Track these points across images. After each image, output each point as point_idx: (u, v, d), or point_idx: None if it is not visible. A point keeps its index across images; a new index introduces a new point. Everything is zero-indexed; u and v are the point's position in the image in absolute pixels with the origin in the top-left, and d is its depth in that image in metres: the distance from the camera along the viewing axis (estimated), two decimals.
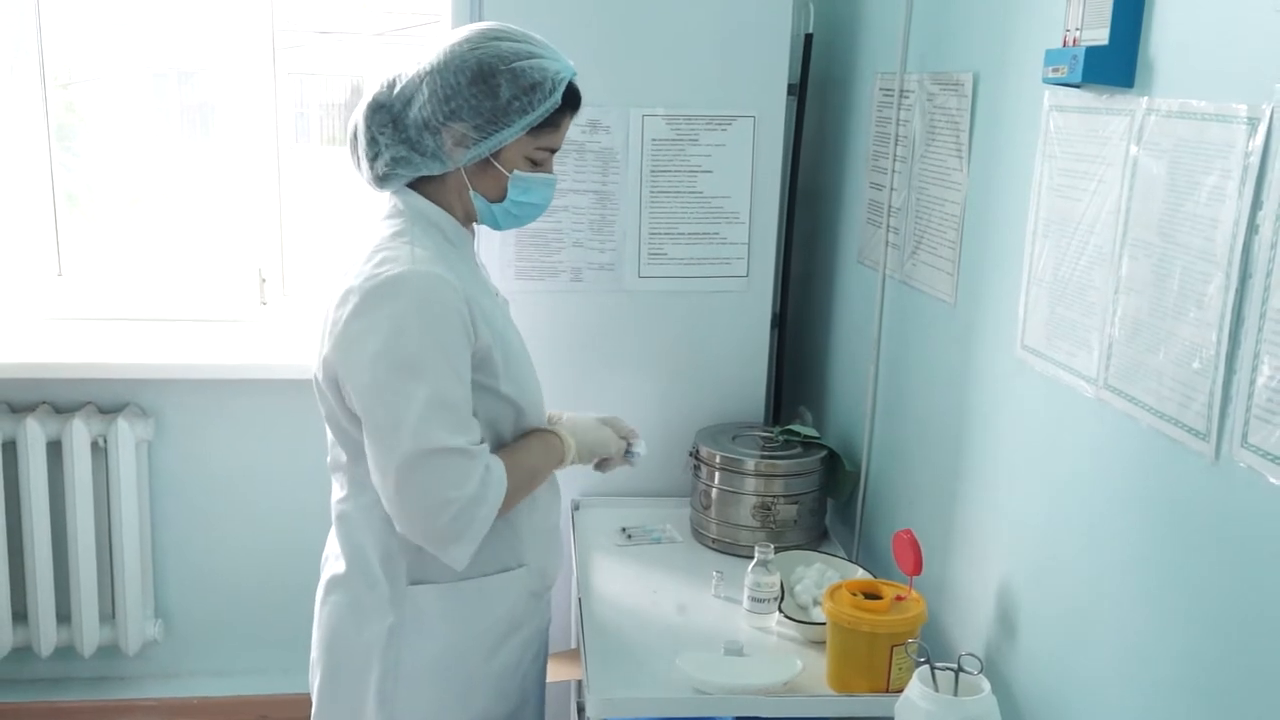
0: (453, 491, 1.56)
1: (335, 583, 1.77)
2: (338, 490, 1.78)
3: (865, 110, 2.40)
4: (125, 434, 2.83)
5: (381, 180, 1.71)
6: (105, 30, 3.08)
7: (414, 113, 1.64)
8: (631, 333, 2.50)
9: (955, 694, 1.51)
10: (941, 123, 2.00)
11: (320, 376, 1.68)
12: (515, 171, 1.69)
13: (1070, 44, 1.50)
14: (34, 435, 2.79)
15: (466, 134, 1.64)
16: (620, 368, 2.51)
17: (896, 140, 2.19)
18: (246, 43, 3.00)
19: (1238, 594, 1.19)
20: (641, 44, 2.39)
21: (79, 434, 2.81)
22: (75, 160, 3.14)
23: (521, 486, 1.71)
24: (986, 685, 1.52)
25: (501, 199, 1.71)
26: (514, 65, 1.63)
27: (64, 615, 2.93)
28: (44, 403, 2.88)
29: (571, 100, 1.71)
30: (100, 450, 2.85)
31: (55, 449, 2.84)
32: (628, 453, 1.95)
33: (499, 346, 1.68)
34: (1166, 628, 1.32)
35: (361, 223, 1.77)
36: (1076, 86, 1.51)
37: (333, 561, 1.79)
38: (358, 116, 1.70)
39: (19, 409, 2.86)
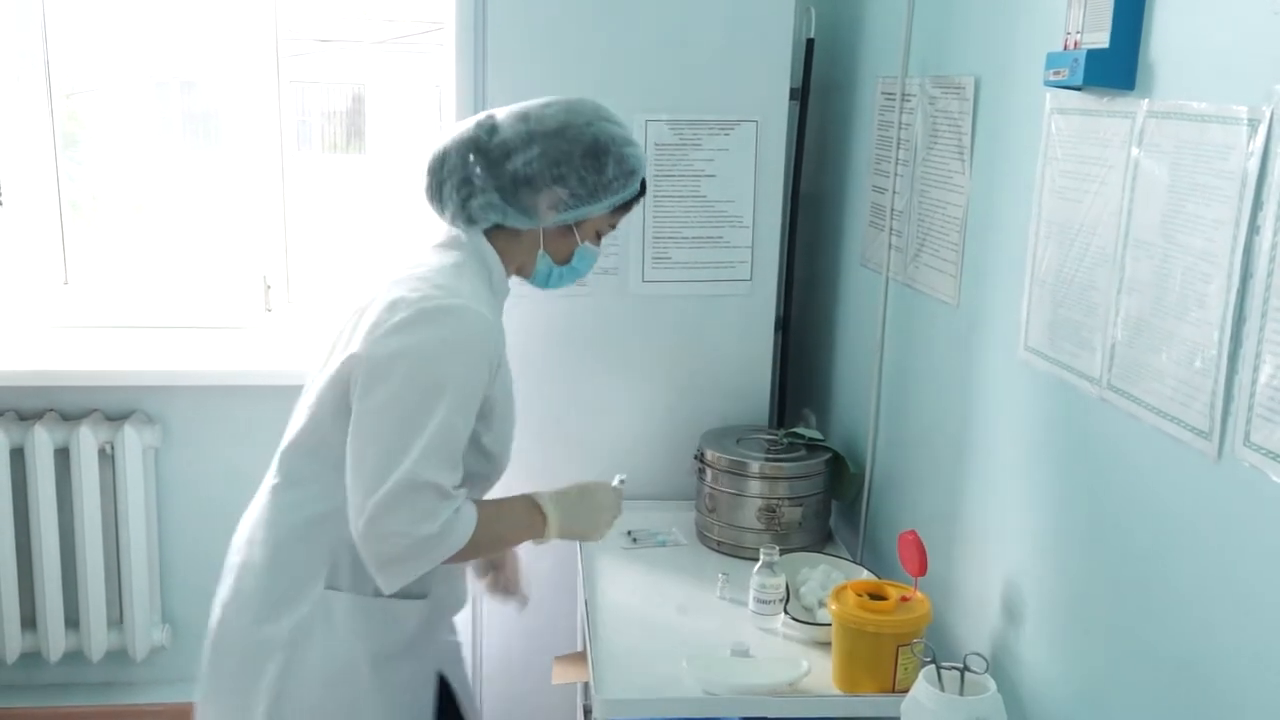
0: (417, 527, 1.59)
1: (248, 570, 1.77)
2: (277, 477, 1.79)
3: (867, 114, 2.41)
4: (132, 441, 2.84)
5: (469, 221, 1.77)
6: (109, 40, 3.10)
7: (515, 166, 1.72)
8: (636, 337, 2.51)
9: (961, 693, 1.52)
10: (943, 126, 2.01)
11: (334, 369, 1.68)
12: (585, 242, 1.82)
13: (1071, 47, 1.51)
14: (42, 442, 2.80)
15: (563, 199, 1.74)
16: (625, 372, 2.52)
17: (898, 144, 2.20)
18: (249, 51, 3.01)
19: (1241, 593, 1.20)
20: (645, 49, 2.40)
21: (86, 441, 2.82)
22: (80, 169, 3.16)
23: (486, 546, 1.75)
24: (992, 684, 1.53)
25: (565, 264, 1.83)
26: (623, 149, 1.77)
27: (72, 621, 2.94)
28: (51, 410, 2.89)
29: (644, 189, 1.85)
30: (107, 457, 2.86)
31: (63, 456, 2.85)
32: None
33: (501, 402, 1.74)
34: (1168, 627, 1.33)
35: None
36: (1078, 89, 1.52)
37: (246, 549, 1.79)
38: (446, 148, 1.75)
39: (27, 416, 2.88)
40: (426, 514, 1.59)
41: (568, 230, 1.79)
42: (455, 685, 1.93)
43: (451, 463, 1.64)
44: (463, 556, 1.68)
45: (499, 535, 1.79)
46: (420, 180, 1.80)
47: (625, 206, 1.83)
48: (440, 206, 1.79)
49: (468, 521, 1.65)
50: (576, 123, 1.75)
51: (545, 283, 1.85)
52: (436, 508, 1.60)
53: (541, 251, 1.80)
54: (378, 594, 1.71)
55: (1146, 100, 1.38)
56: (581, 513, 1.84)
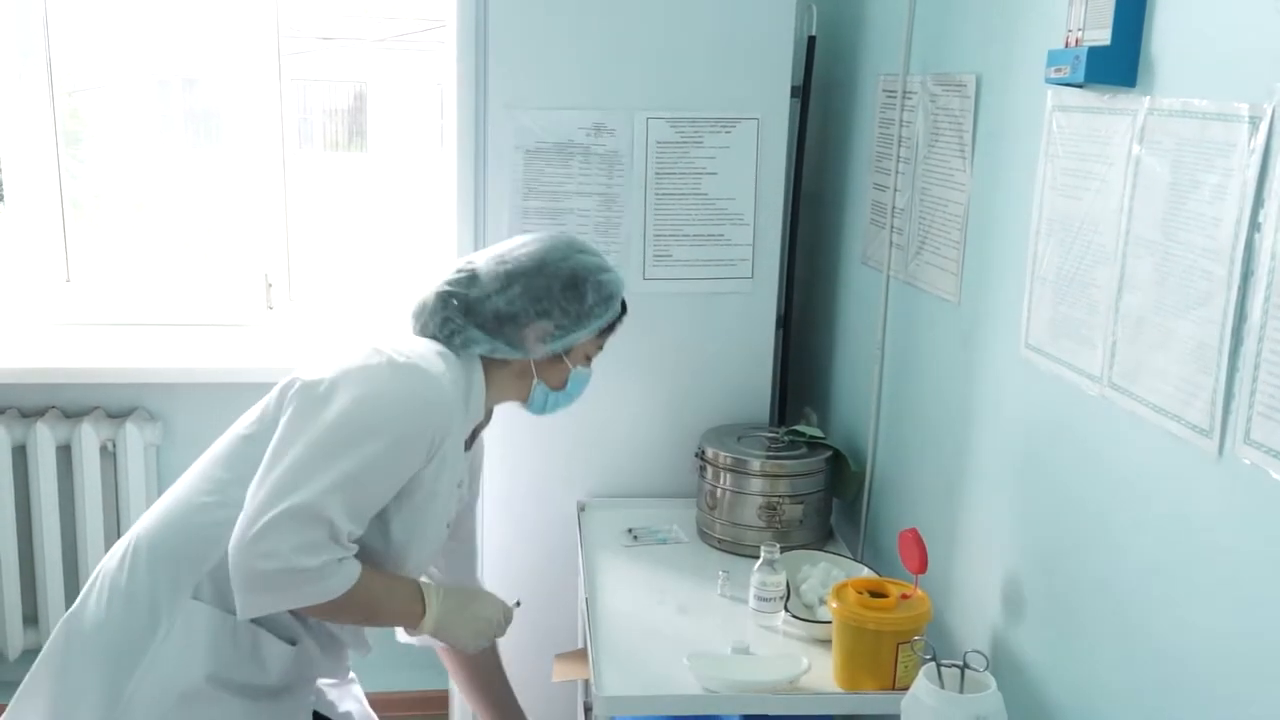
0: (297, 556, 1.56)
1: (128, 563, 1.73)
2: (185, 486, 1.78)
3: (868, 112, 2.41)
4: (134, 438, 2.85)
5: (455, 349, 1.82)
6: (110, 38, 3.10)
7: (497, 305, 1.81)
8: (637, 335, 2.48)
9: (961, 691, 1.52)
10: (944, 124, 2.01)
11: (302, 381, 1.70)
12: (577, 367, 1.90)
13: (1072, 44, 1.51)
14: (44, 440, 2.80)
15: (549, 331, 1.83)
16: (626, 369, 2.52)
17: (900, 141, 2.20)
18: (250, 49, 3.01)
19: (1241, 589, 1.20)
20: (645, 47, 2.41)
21: (88, 438, 2.82)
22: (82, 167, 3.16)
23: (357, 610, 1.72)
24: (992, 682, 1.53)
25: (561, 389, 1.91)
26: (600, 277, 1.86)
27: None
28: (53, 407, 2.89)
29: (624, 309, 1.94)
30: (109, 454, 2.87)
31: (65, 453, 2.85)
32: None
33: (426, 490, 1.73)
34: (1169, 624, 1.33)
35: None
36: (1079, 86, 1.52)
37: (125, 541, 1.77)
38: (427, 296, 1.84)
39: (29, 414, 2.88)
40: (310, 547, 1.56)
41: (558, 359, 1.88)
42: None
43: (356, 512, 1.62)
44: (331, 611, 1.66)
45: (375, 605, 1.74)
46: (406, 324, 1.87)
47: (610, 328, 1.92)
48: (423, 335, 1.85)
49: (348, 575, 1.61)
50: (553, 259, 1.84)
51: (542, 407, 1.93)
52: (323, 545, 1.58)
53: (536, 381, 1.88)
54: (248, 618, 1.67)
55: (1148, 98, 1.38)
56: (462, 620, 1.83)
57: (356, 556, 1.64)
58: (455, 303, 1.81)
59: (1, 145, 2.99)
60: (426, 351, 1.76)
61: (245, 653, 1.72)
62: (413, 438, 1.67)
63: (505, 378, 1.88)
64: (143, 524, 1.78)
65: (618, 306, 1.91)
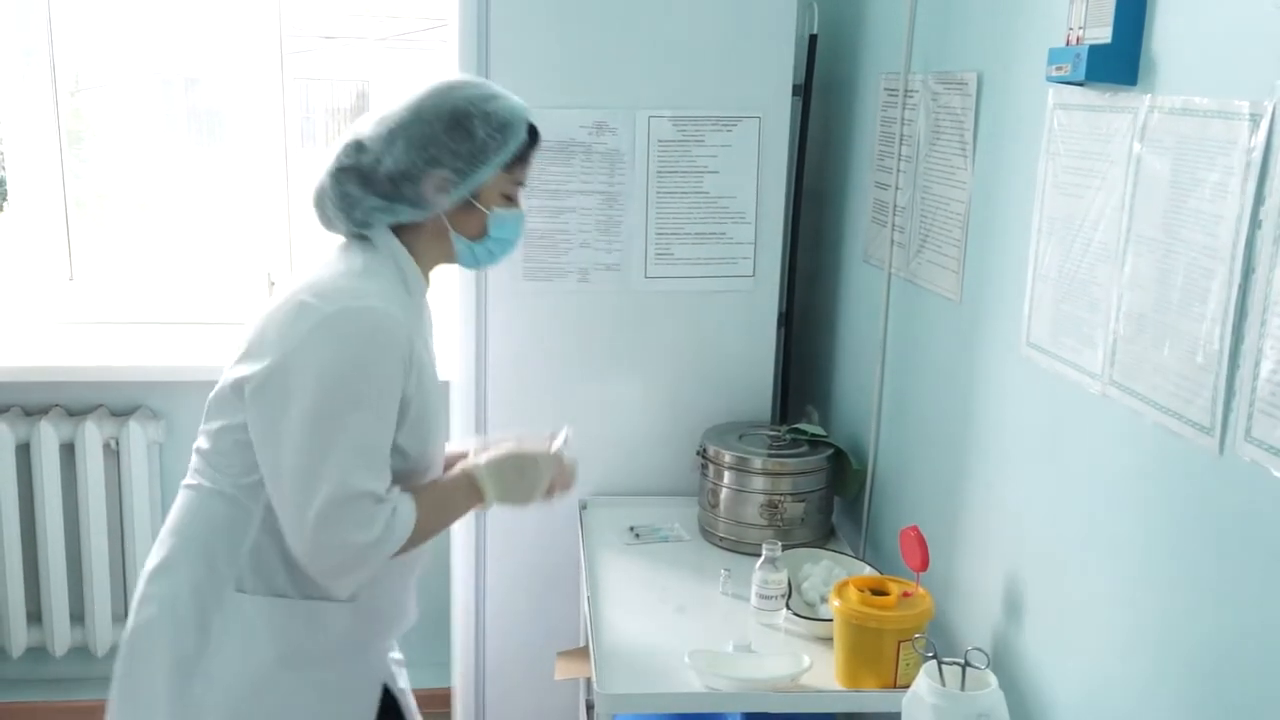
0: (358, 536, 1.59)
1: (157, 574, 1.73)
2: (196, 476, 1.74)
3: (870, 110, 2.41)
4: (137, 436, 2.85)
5: (361, 227, 1.74)
6: (113, 37, 3.10)
7: (387, 166, 1.69)
8: (639, 333, 2.52)
9: (962, 688, 1.52)
10: (946, 122, 2.01)
11: (241, 373, 1.65)
12: (494, 209, 1.76)
13: (1073, 42, 1.51)
14: (47, 438, 2.81)
15: (447, 178, 1.70)
16: (627, 368, 2.52)
17: (901, 140, 2.20)
18: (253, 48, 3.02)
19: (1242, 587, 1.20)
20: (647, 46, 2.41)
21: (91, 436, 2.83)
22: (85, 166, 3.16)
23: (429, 532, 1.73)
24: (993, 679, 1.53)
25: (483, 237, 1.78)
26: (486, 107, 1.71)
27: (77, 615, 2.96)
28: (57, 405, 2.90)
29: (535, 136, 1.78)
30: (112, 452, 2.88)
31: (68, 451, 2.86)
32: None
33: (418, 401, 1.70)
34: (1170, 622, 1.33)
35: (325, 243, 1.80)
36: (1080, 85, 1.52)
37: (160, 546, 1.75)
38: (321, 180, 1.74)
39: (32, 412, 2.89)
40: (364, 522, 1.59)
41: (469, 206, 1.74)
42: (401, 701, 1.93)
43: (378, 466, 1.63)
44: (409, 547, 1.68)
45: (442, 520, 1.77)
46: (311, 216, 1.79)
47: (521, 159, 1.76)
48: (331, 228, 1.78)
49: (406, 519, 1.64)
50: (430, 102, 1.71)
51: (474, 262, 1.81)
52: (372, 514, 1.60)
53: (454, 234, 1.76)
54: (291, 594, 1.69)
55: (1149, 95, 1.38)
56: (519, 486, 1.81)
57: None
58: (348, 176, 1.71)
59: (6, 144, 2.99)
60: (346, 274, 1.68)
61: (304, 626, 1.72)
62: (387, 376, 1.63)
63: (425, 242, 1.77)
64: (166, 527, 1.77)
65: (520, 133, 1.73)
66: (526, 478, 1.81)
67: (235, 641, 1.68)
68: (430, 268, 1.81)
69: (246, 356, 1.66)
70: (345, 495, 1.58)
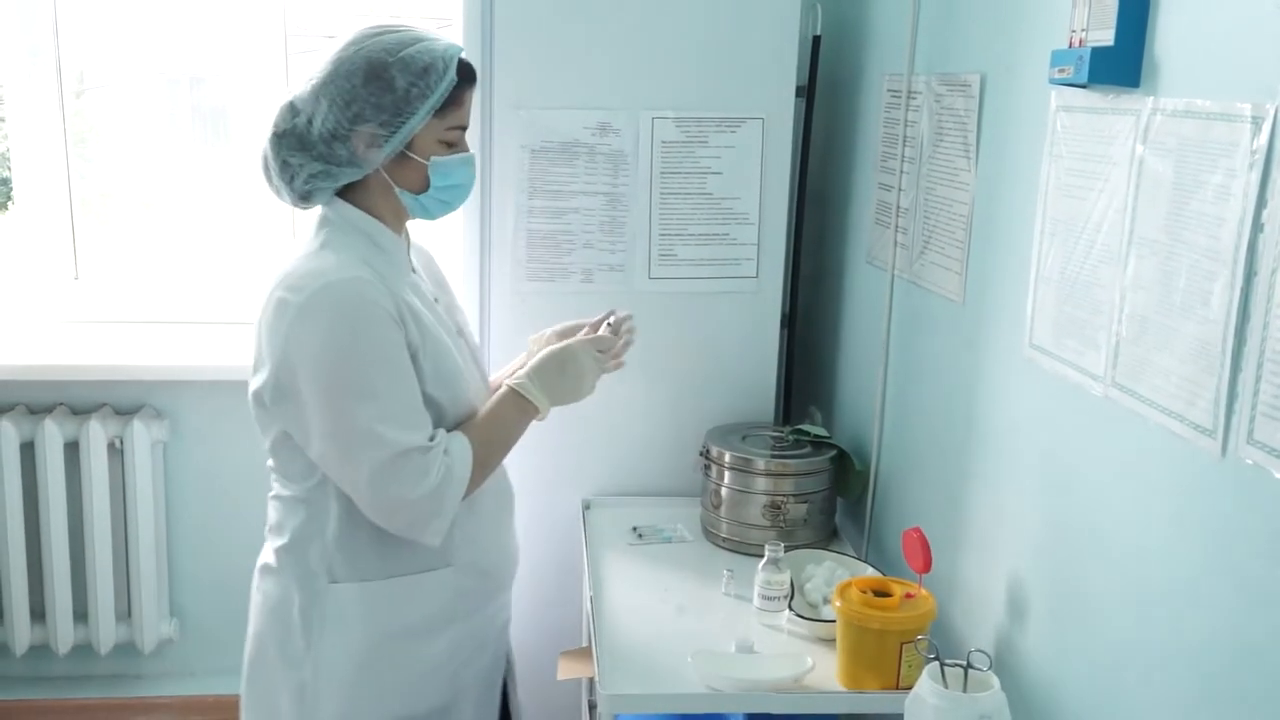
0: (415, 491, 1.64)
1: (263, 573, 1.82)
2: (275, 487, 1.82)
3: (873, 111, 2.41)
4: (141, 435, 2.86)
5: (305, 198, 1.74)
6: (118, 36, 3.11)
7: (317, 127, 1.66)
8: (642, 333, 2.49)
9: (965, 690, 1.52)
10: (949, 123, 2.01)
11: (255, 383, 1.69)
12: (433, 158, 1.71)
13: (1076, 45, 1.51)
14: (52, 436, 2.82)
15: (375, 133, 1.67)
16: (630, 368, 2.49)
17: (904, 141, 2.20)
18: (258, 48, 3.02)
19: (1245, 590, 1.20)
20: (651, 47, 2.41)
21: (96, 435, 2.83)
22: (90, 165, 3.17)
23: (493, 459, 1.78)
24: (996, 681, 1.53)
25: (426, 188, 1.74)
26: (402, 54, 1.65)
27: (81, 614, 2.96)
28: (61, 404, 2.91)
29: (467, 75, 1.72)
30: (117, 451, 2.88)
31: (73, 450, 2.86)
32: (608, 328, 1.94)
33: (427, 348, 1.71)
34: (1173, 623, 1.33)
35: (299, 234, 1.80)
36: (1083, 87, 1.52)
37: (264, 553, 1.83)
38: (264, 147, 1.73)
39: (37, 411, 2.89)
40: (418, 474, 1.63)
41: (405, 158, 1.70)
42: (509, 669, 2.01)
43: (413, 420, 1.66)
44: (478, 481, 1.72)
45: (501, 442, 1.79)
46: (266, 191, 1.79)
47: (454, 102, 1.70)
48: (280, 198, 1.77)
49: (462, 457, 1.69)
50: (347, 55, 1.66)
51: (426, 213, 1.77)
52: (423, 465, 1.64)
53: (397, 189, 1.73)
54: (384, 575, 1.75)
55: (1151, 98, 1.38)
56: (563, 383, 1.83)
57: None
58: (285, 142, 1.68)
59: (11, 144, 3.00)
60: (307, 257, 1.69)
61: (404, 603, 1.77)
62: (382, 335, 1.64)
63: (375, 201, 1.74)
64: (268, 537, 1.83)
65: (444, 77, 1.67)
66: (569, 373, 1.84)
67: (334, 630, 1.75)
68: (395, 223, 1.79)
69: (255, 367, 1.71)
70: (389, 458, 1.62)
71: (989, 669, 1.54)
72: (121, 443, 2.87)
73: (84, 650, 2.99)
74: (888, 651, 1.75)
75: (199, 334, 3.04)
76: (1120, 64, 1.43)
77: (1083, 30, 1.50)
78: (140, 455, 2.86)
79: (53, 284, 3.08)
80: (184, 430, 2.97)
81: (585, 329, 1.97)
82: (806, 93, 2.59)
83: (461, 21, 2.37)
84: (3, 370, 2.83)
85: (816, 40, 2.59)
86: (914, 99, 2.17)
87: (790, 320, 2.69)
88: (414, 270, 1.84)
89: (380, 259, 1.73)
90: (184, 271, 3.19)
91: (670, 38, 2.41)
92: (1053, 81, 1.56)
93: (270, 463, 1.80)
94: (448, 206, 1.79)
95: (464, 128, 1.75)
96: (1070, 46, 1.52)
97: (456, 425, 1.75)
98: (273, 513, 1.82)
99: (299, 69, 3.05)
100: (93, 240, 3.13)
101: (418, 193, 1.74)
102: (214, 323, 3.09)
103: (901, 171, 2.21)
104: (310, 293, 1.63)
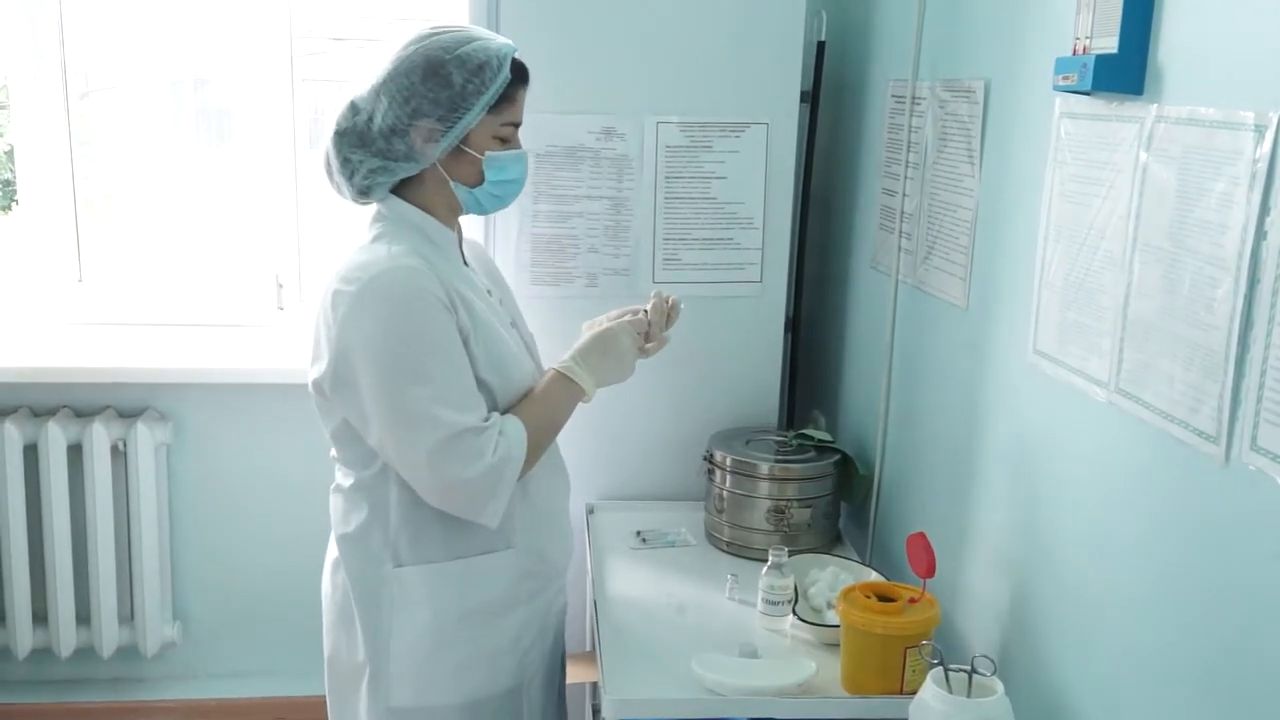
0: (471, 470, 1.68)
1: (333, 568, 1.88)
2: (337, 478, 1.88)
3: (878, 117, 2.42)
4: (144, 438, 2.86)
5: (364, 193, 1.80)
6: (123, 38, 3.11)
7: (378, 124, 1.73)
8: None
9: (969, 695, 1.53)
10: (953, 129, 2.02)
11: (328, 378, 1.73)
12: (487, 153, 1.77)
13: (1080, 52, 1.52)
14: (55, 439, 2.82)
15: (433, 128, 1.73)
16: (636, 372, 2.52)
17: (909, 146, 2.20)
18: (263, 50, 3.03)
19: (1247, 596, 1.20)
20: (655, 52, 2.42)
21: (99, 438, 2.83)
22: (94, 167, 3.17)
23: (545, 441, 1.83)
24: (1000, 687, 1.53)
25: (480, 182, 1.80)
26: (459, 52, 1.72)
27: (83, 617, 2.96)
28: (65, 407, 2.91)
29: (520, 74, 1.79)
30: (120, 454, 2.88)
31: (75, 452, 2.86)
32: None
33: (478, 334, 1.76)
34: (1177, 629, 1.33)
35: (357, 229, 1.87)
36: (1086, 94, 1.53)
37: (330, 545, 1.89)
38: (326, 145, 1.79)
39: (40, 413, 2.89)
40: (473, 456, 1.67)
41: (460, 152, 1.77)
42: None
43: (467, 402, 1.70)
44: (532, 461, 1.77)
45: (552, 423, 1.84)
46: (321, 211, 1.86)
47: (508, 99, 1.76)
48: (340, 194, 1.83)
49: (517, 437, 1.73)
50: (405, 53, 1.73)
51: (480, 207, 1.84)
52: (478, 445, 1.68)
53: (452, 183, 1.79)
54: (447, 558, 1.79)
55: (1155, 105, 1.39)
56: (607, 365, 1.89)
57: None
58: (347, 140, 1.75)
59: (16, 146, 3.00)
60: (361, 250, 1.76)
61: (470, 584, 1.82)
62: (434, 321, 1.69)
63: (430, 195, 1.81)
64: (333, 529, 1.88)
65: (499, 74, 1.73)
66: (611, 354, 1.90)
67: (403, 613, 1.80)
68: (449, 217, 1.85)
69: (314, 359, 1.77)
70: (444, 439, 1.66)
71: (993, 674, 1.54)
72: (125, 445, 2.87)
73: (86, 653, 2.99)
74: (891, 656, 1.75)
75: (203, 336, 3.04)
76: (1124, 72, 1.43)
77: (1086, 38, 1.51)
78: (144, 458, 2.87)
79: (56, 286, 3.08)
80: (187, 433, 2.97)
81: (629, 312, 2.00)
82: (811, 98, 2.60)
83: (468, 24, 2.37)
84: (6, 372, 2.83)
85: (821, 46, 2.59)
86: (918, 105, 2.17)
87: (794, 325, 2.69)
88: (466, 263, 1.89)
89: (433, 251, 1.79)
90: (188, 274, 3.20)
91: (675, 43, 2.41)
92: (1057, 88, 1.56)
93: (332, 453, 1.85)
94: (500, 201, 1.85)
95: (517, 124, 1.81)
96: (1074, 54, 1.53)
97: (509, 409, 1.80)
98: (336, 504, 1.87)
99: (303, 72, 3.05)
100: (97, 242, 3.13)
101: (472, 187, 1.80)
102: (218, 325, 3.09)
103: (905, 177, 2.22)
104: (363, 283, 1.68)
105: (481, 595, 1.83)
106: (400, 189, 1.81)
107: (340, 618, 1.86)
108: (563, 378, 1.85)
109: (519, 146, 1.82)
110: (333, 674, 1.92)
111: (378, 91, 1.74)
